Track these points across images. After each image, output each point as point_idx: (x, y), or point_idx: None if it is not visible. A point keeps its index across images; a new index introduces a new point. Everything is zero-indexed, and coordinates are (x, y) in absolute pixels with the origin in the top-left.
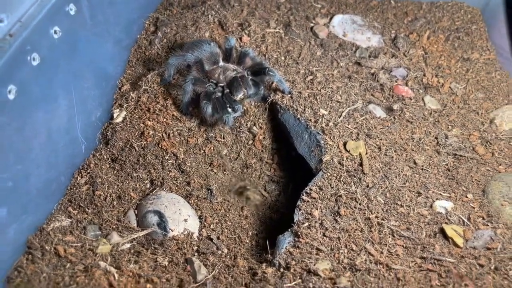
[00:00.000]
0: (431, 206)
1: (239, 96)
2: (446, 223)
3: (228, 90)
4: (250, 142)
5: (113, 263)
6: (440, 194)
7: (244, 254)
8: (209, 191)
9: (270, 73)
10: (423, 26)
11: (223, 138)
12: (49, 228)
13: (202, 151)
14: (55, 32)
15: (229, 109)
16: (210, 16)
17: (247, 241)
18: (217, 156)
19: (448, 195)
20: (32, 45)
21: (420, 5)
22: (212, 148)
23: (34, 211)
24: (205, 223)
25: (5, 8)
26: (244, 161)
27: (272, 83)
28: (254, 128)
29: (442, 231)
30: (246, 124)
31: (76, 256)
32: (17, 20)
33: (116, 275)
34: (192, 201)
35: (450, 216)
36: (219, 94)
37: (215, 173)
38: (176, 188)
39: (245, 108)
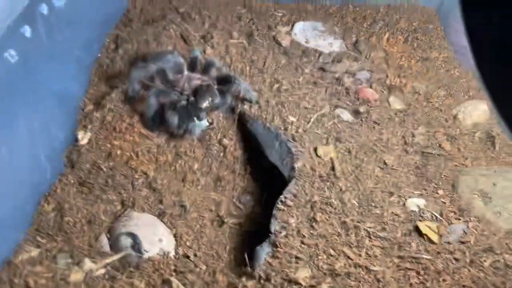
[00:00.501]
0: (404, 205)
1: (204, 104)
2: (420, 220)
3: (193, 99)
4: (221, 154)
5: None
6: (412, 192)
7: (223, 269)
8: (183, 207)
9: (236, 81)
10: (382, 29)
11: (194, 152)
12: (17, 260)
13: (173, 167)
14: (11, 56)
15: (195, 118)
16: (171, 30)
17: (225, 256)
18: (189, 172)
19: (420, 192)
20: None
21: (378, 9)
22: (182, 163)
23: None
24: (181, 241)
25: None
26: (216, 174)
27: (239, 93)
28: (225, 140)
29: (417, 229)
30: (216, 137)
31: (47, 287)
32: None
33: None
34: (166, 219)
35: (423, 213)
36: (184, 103)
37: (187, 188)
38: (148, 207)
39: (211, 120)
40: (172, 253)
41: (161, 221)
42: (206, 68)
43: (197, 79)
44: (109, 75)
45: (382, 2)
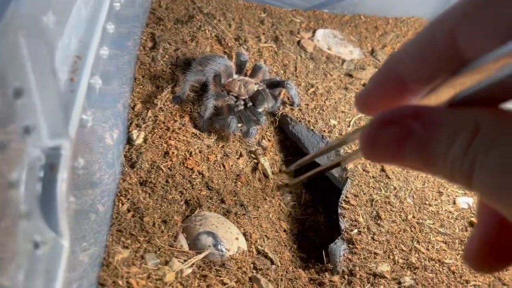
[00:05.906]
0: (454, 203)
1: (263, 108)
2: (472, 216)
3: (251, 104)
4: (261, 155)
5: None
6: (456, 191)
7: (299, 265)
8: (243, 206)
9: (288, 86)
10: (393, 40)
11: (238, 154)
12: (114, 262)
13: (223, 167)
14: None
15: (253, 122)
16: (207, 31)
17: (288, 254)
18: (238, 171)
19: (463, 191)
20: None
21: (387, 20)
22: (231, 163)
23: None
24: (250, 239)
25: None
26: (260, 174)
27: (290, 97)
28: (264, 141)
29: (472, 224)
30: (255, 138)
31: None
32: None
33: None
34: (231, 218)
35: (474, 210)
36: (241, 107)
37: (240, 188)
38: (214, 207)
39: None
40: (246, 251)
41: (229, 220)
42: (254, 72)
43: (253, 84)
44: (152, 74)
45: (391, 15)
